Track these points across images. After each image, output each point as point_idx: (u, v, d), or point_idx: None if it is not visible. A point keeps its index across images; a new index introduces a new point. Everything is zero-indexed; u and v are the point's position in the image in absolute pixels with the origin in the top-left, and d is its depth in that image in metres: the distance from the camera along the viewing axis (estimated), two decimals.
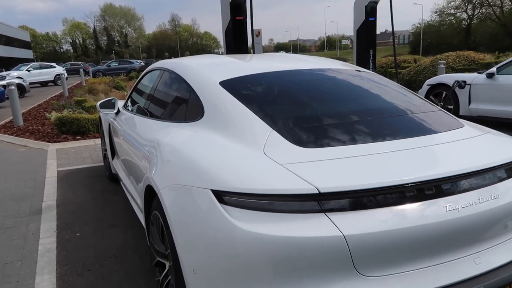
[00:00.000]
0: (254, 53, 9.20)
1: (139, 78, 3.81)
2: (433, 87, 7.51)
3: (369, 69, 8.18)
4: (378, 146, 1.71)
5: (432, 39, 51.43)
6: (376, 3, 8.08)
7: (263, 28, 9.11)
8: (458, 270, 1.50)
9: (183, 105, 2.52)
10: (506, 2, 48.30)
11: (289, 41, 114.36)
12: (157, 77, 3.18)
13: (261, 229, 1.41)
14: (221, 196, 1.53)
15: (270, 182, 1.48)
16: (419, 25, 57.67)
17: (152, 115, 2.92)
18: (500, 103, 6.36)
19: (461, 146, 1.82)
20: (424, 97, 7.65)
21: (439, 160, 1.69)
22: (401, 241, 1.41)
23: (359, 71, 2.79)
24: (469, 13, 51.69)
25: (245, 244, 1.42)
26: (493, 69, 6.56)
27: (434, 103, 7.47)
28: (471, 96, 6.80)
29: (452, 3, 51.73)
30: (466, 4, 51.07)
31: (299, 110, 2.10)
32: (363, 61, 8.25)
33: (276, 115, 1.99)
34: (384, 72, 17.63)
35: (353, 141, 1.76)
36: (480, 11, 51.10)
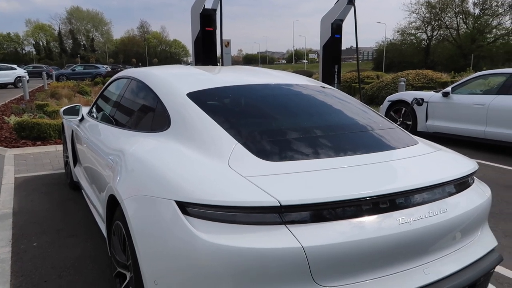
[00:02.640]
0: (223, 63, 9.27)
1: (105, 86, 3.76)
2: (393, 103, 7.85)
3: (333, 83, 8.44)
4: (338, 161, 1.80)
5: (394, 57, 53.66)
6: (342, 21, 8.36)
7: (232, 38, 9.20)
8: (408, 280, 1.60)
9: (149, 115, 2.52)
10: (462, 26, 51.36)
11: (258, 52, 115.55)
12: (124, 85, 3.16)
13: (223, 241, 1.45)
14: (185, 207, 1.56)
15: (233, 194, 1.52)
16: (382, 43, 60.13)
17: (118, 124, 2.89)
18: (453, 121, 6.75)
19: (415, 163, 1.95)
20: (385, 113, 8.00)
21: (394, 176, 1.80)
22: (357, 252, 1.49)
23: (324, 87, 2.91)
24: (429, 34, 54.50)
25: (207, 255, 1.45)
26: (448, 89, 6.96)
27: (394, 118, 7.82)
28: (428, 113, 7.17)
29: (413, 23, 54.42)
30: (426, 26, 53.84)
31: (264, 124, 2.16)
32: (328, 75, 8.48)
33: (242, 128, 2.04)
34: (349, 86, 18.21)
35: (315, 155, 1.84)
36: (439, 32, 53.98)
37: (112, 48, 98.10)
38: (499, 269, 2.72)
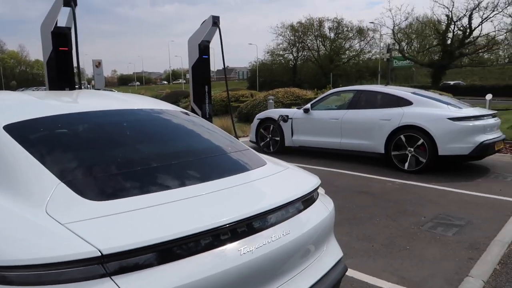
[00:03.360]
0: (95, 84, 8.51)
1: None
2: (262, 121, 8.20)
3: (205, 103, 8.45)
4: (177, 193, 1.65)
5: (267, 76, 57.35)
6: (209, 42, 8.47)
7: (105, 58, 8.56)
8: None
9: None
10: (321, 48, 57.58)
11: (134, 73, 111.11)
12: None
13: None
14: None
15: (44, 249, 1.26)
16: (255, 63, 63.68)
17: None
18: (315, 135, 7.33)
19: (260, 185, 1.93)
20: (255, 130, 8.30)
21: (236, 202, 1.72)
22: None
23: (178, 111, 2.75)
24: (294, 55, 59.70)
25: None
26: (308, 105, 7.55)
27: (264, 135, 8.17)
28: (293, 129, 7.65)
29: (281, 45, 59.05)
30: (292, 47, 58.92)
31: (97, 157, 1.91)
32: (199, 95, 8.46)
33: (70, 164, 1.77)
34: (225, 105, 18.73)
35: (153, 188, 1.67)
36: (303, 53, 59.59)
37: None
38: (353, 273, 2.91)
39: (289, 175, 2.16)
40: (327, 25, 56.26)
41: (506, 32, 37.97)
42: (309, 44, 58.08)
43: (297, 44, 58.44)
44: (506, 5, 35.31)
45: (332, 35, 56.94)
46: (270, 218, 1.69)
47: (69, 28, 7.48)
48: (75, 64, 7.46)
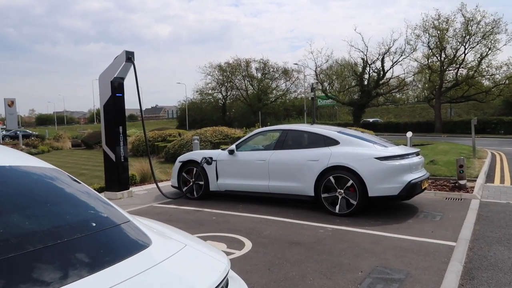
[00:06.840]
0: (6, 124, 7.21)
1: None
2: (184, 164, 7.47)
3: (119, 146, 7.54)
4: None
5: (196, 115, 56.91)
6: (123, 79, 7.71)
7: (22, 97, 7.36)
8: None
9: None
10: (249, 87, 58.89)
11: (54, 112, 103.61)
12: None
13: None
14: None
15: None
16: (184, 102, 63.03)
17: None
18: (241, 178, 6.76)
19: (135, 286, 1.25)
20: (177, 174, 7.52)
21: None
22: None
23: (40, 168, 1.94)
24: (223, 94, 60.24)
25: None
26: (233, 146, 7.01)
27: (187, 179, 7.41)
28: (218, 172, 7.02)
29: (209, 84, 59.36)
30: (220, 87, 59.48)
31: None
32: (113, 138, 7.56)
33: None
34: (151, 145, 17.85)
35: None
36: (231, 92, 60.37)
37: None
38: None
39: (185, 260, 1.50)
40: (254, 65, 58.00)
41: (413, 75, 42.05)
42: (237, 84, 59.14)
43: (226, 84, 59.21)
44: (412, 51, 39.27)
45: (259, 75, 58.70)
46: None
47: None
48: None
